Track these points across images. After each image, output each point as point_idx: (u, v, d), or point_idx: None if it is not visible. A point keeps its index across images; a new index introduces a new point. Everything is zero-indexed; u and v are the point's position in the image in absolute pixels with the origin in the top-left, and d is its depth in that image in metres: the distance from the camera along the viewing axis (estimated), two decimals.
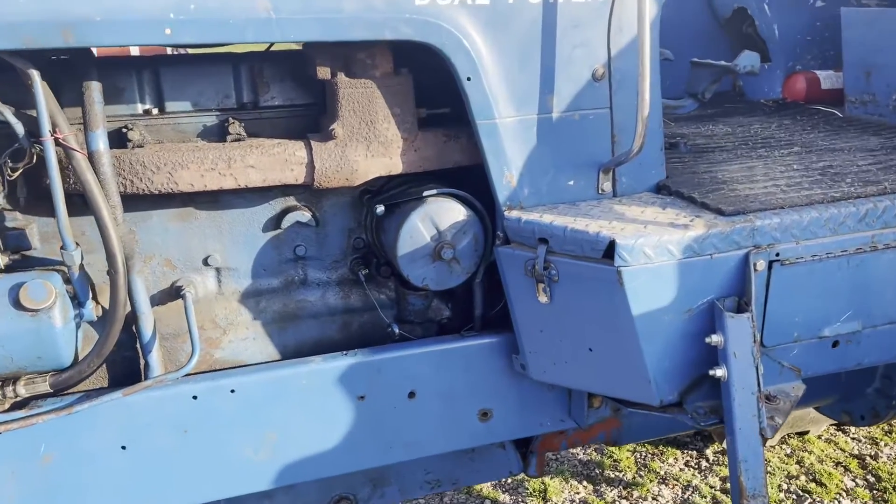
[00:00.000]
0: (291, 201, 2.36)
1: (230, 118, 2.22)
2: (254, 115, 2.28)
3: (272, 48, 2.44)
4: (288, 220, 2.32)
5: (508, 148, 2.17)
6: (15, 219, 2.13)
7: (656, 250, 1.98)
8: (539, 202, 2.25)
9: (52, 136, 1.88)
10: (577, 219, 2.11)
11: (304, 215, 2.33)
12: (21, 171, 1.94)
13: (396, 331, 2.44)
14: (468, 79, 2.08)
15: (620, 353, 2.12)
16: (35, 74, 1.84)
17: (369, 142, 2.18)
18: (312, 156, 2.14)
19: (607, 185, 2.30)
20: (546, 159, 2.23)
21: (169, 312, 2.33)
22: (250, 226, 2.35)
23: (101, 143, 1.96)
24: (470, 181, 2.33)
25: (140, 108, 2.21)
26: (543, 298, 2.15)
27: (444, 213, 2.25)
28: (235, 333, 2.41)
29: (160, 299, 2.32)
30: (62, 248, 1.98)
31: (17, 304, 1.94)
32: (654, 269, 1.99)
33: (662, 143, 2.34)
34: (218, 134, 2.23)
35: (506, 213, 2.20)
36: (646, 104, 2.07)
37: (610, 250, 1.97)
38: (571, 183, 2.27)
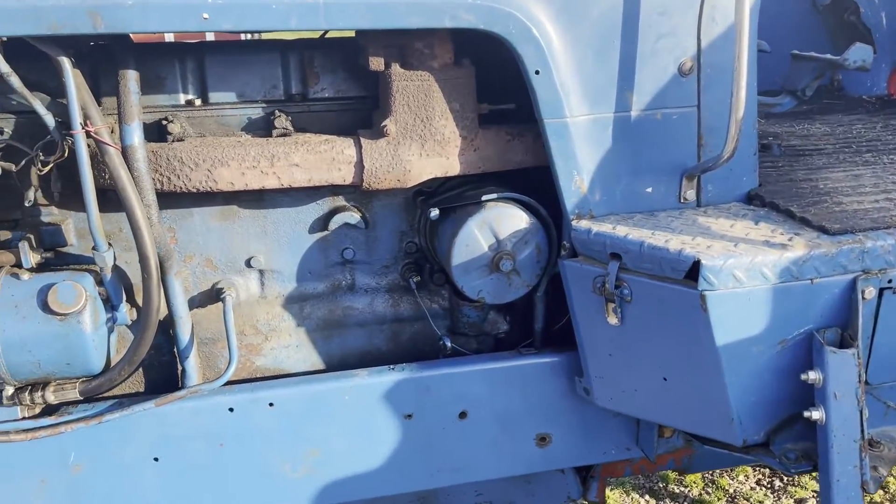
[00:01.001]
0: (340, 201, 2.22)
1: (277, 111, 2.08)
2: (302, 108, 2.13)
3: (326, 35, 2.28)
4: (336, 222, 2.19)
5: (579, 150, 1.96)
6: (50, 214, 2.05)
7: (748, 273, 1.74)
8: (612, 210, 2.03)
9: (83, 128, 1.75)
10: (655, 232, 1.88)
11: (354, 216, 2.19)
12: (52, 165, 1.82)
13: (448, 344, 2.28)
14: (536, 72, 1.87)
15: (700, 385, 1.90)
16: (65, 62, 1.72)
17: (424, 140, 1.99)
18: (362, 154, 1.97)
19: (691, 194, 2.06)
20: (622, 163, 2.01)
21: (209, 315, 2.23)
22: (296, 226, 2.22)
23: (135, 137, 1.83)
24: (534, 185, 2.13)
25: (182, 98, 2.09)
26: (613, 320, 1.93)
27: (505, 219, 2.06)
28: (278, 340, 2.28)
29: (200, 302, 2.22)
30: (94, 248, 1.87)
31: (46, 308, 1.84)
32: (743, 295, 1.76)
33: (756, 147, 2.08)
34: (263, 127, 2.10)
35: (574, 223, 1.99)
36: (741, 103, 1.84)
37: (693, 271, 1.76)
38: (650, 190, 2.04)
